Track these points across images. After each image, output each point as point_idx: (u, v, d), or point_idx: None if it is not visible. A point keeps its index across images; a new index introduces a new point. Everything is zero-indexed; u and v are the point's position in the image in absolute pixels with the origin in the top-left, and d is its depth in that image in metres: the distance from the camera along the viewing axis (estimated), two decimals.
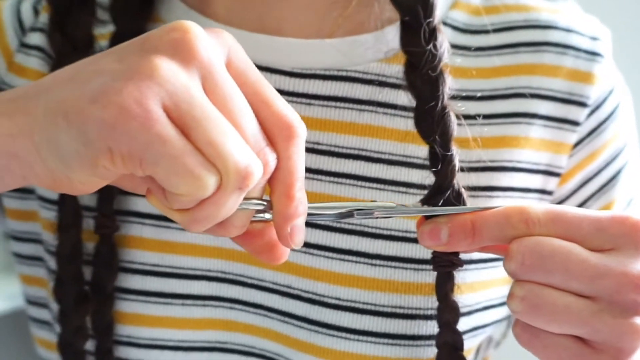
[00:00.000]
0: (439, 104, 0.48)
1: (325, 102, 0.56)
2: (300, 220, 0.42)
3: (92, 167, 0.38)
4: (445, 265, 0.49)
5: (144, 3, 0.58)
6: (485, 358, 0.64)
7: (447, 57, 0.48)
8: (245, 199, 0.41)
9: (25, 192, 0.62)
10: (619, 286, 0.43)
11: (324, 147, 0.55)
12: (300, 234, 0.43)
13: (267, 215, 0.43)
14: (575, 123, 0.58)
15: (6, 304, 1.34)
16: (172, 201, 0.39)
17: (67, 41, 0.55)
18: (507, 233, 0.45)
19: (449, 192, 0.48)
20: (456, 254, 0.49)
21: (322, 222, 0.55)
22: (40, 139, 0.39)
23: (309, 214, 0.44)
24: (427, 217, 0.48)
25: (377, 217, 0.47)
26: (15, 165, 0.40)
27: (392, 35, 0.56)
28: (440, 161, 0.48)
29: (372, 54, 0.56)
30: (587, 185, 0.60)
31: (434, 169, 0.48)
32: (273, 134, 0.41)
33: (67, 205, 0.56)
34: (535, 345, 0.45)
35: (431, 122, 0.48)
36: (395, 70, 0.56)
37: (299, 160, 0.41)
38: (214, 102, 0.38)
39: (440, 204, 0.48)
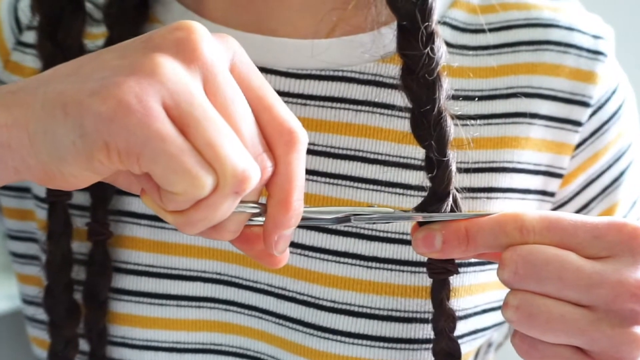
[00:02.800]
0: (435, 109, 0.46)
1: (321, 103, 0.55)
2: (290, 231, 0.42)
3: (88, 160, 0.37)
4: (440, 272, 0.48)
5: (139, 4, 0.58)
6: None
7: (444, 61, 0.47)
8: (240, 202, 0.40)
9: (22, 190, 0.61)
10: (614, 295, 0.42)
11: (320, 148, 0.55)
12: (286, 243, 0.42)
13: (264, 219, 0.42)
14: (577, 123, 0.57)
15: (6, 304, 1.34)
16: (167, 201, 0.38)
17: (57, 49, 0.54)
18: (501, 241, 0.44)
19: (448, 198, 0.47)
20: (451, 260, 0.48)
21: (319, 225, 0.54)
22: (35, 130, 0.38)
23: (306, 218, 0.44)
24: (421, 224, 0.47)
25: (374, 222, 0.46)
26: (7, 156, 0.39)
27: (389, 35, 0.55)
28: (436, 167, 0.47)
29: (368, 54, 0.55)
30: (590, 187, 0.59)
31: (430, 175, 0.47)
32: (273, 139, 0.40)
33: (57, 214, 0.56)
34: (533, 355, 0.44)
35: (427, 127, 0.47)
36: (392, 70, 0.55)
37: (299, 167, 0.41)
38: (214, 104, 0.38)
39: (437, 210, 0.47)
